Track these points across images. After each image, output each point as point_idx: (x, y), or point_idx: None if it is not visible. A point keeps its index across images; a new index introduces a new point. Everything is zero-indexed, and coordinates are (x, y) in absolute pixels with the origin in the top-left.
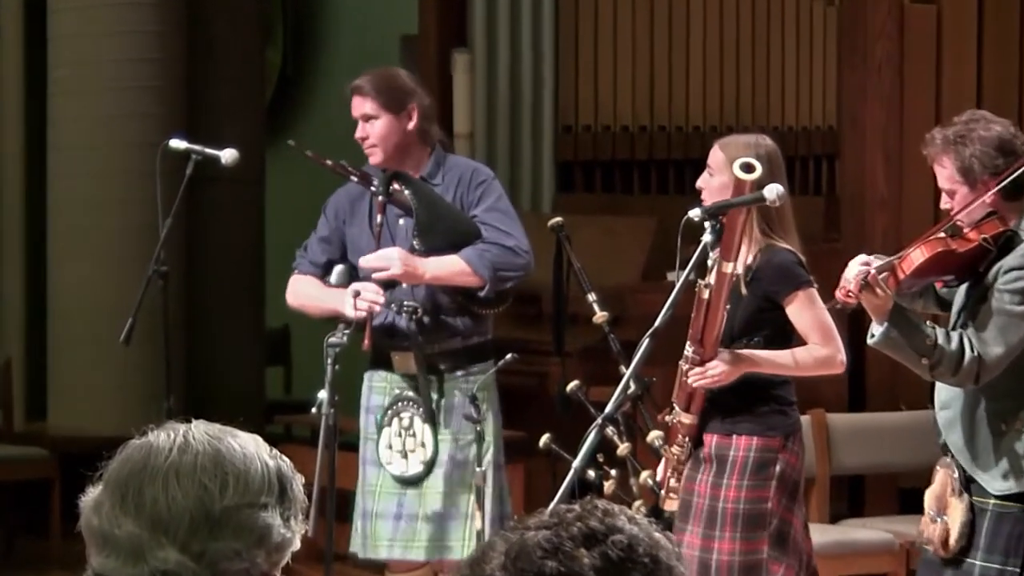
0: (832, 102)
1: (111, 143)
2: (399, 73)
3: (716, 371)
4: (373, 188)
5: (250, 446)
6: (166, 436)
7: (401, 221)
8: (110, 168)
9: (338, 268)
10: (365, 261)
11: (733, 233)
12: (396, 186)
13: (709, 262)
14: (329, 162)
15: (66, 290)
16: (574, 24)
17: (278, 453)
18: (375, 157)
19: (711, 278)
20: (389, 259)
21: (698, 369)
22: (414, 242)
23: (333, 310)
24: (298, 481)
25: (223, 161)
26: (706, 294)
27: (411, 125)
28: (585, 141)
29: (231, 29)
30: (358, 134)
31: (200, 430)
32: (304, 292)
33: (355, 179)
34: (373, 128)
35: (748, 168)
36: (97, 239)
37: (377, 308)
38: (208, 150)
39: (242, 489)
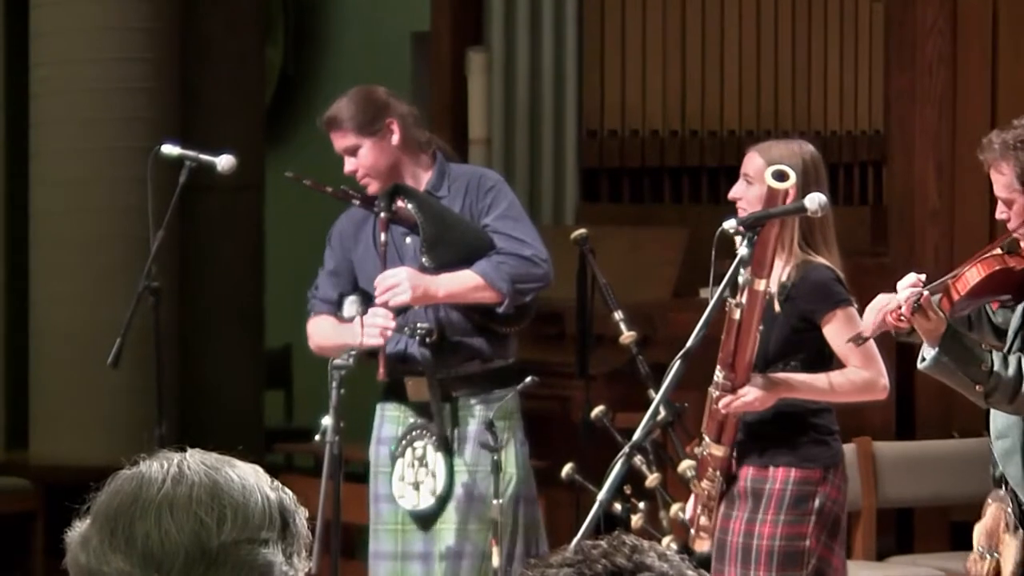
0: (879, 104)
1: (98, 148)
2: (366, 91)
3: (749, 397)
4: (376, 209)
5: (250, 477)
6: (159, 466)
7: (408, 240)
8: (97, 176)
9: (349, 299)
10: (378, 287)
11: (766, 248)
12: (399, 202)
13: (741, 280)
14: (329, 189)
15: (49, 307)
16: (600, 20)
17: (280, 484)
18: (372, 186)
19: (742, 297)
20: (397, 278)
21: (729, 396)
22: (423, 259)
23: (347, 345)
24: (302, 515)
25: (219, 168)
26: (737, 314)
27: (395, 140)
28: (611, 147)
29: (228, 26)
30: (347, 169)
31: (195, 460)
32: (323, 334)
33: (357, 203)
34: (359, 159)
35: (781, 176)
36: (83, 252)
37: (389, 333)
38: (203, 156)
39: (241, 523)
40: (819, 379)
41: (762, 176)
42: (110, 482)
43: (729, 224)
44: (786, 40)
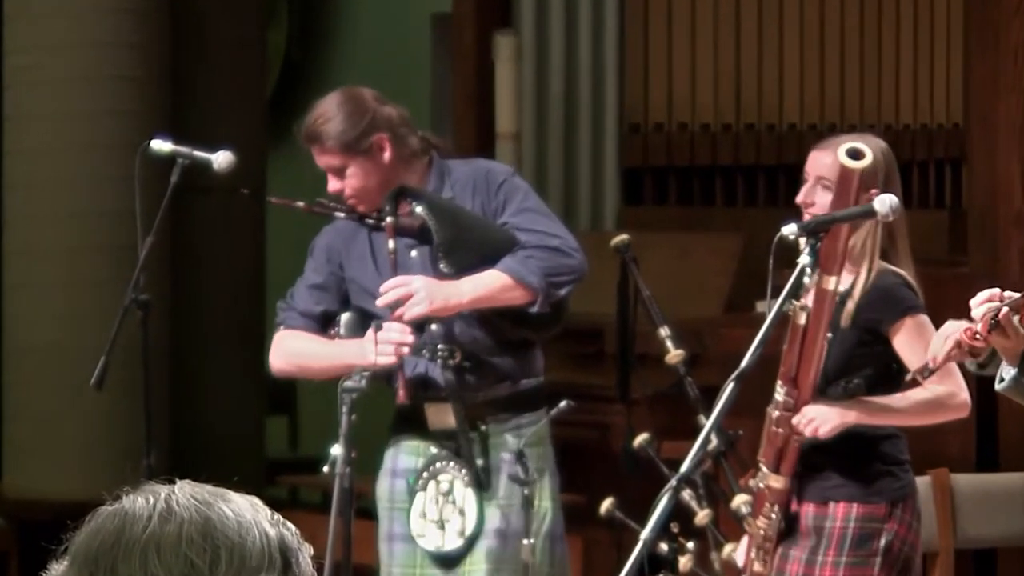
0: (957, 95)
1: (80, 144)
2: (351, 101)
3: (819, 417)
4: (369, 222)
5: (247, 512)
6: (144, 501)
7: (413, 253)
8: (78, 175)
9: (345, 317)
10: (383, 299)
11: (837, 240)
12: (405, 206)
13: (807, 280)
14: (301, 204)
15: (25, 323)
16: (644, 1)
17: (281, 519)
18: (363, 207)
19: (808, 299)
20: (410, 287)
21: (796, 417)
22: (440, 265)
23: (344, 365)
24: (306, 553)
25: (216, 166)
26: (802, 319)
27: (386, 158)
28: (656, 143)
29: (225, 6)
30: (331, 188)
31: (185, 493)
32: (299, 350)
33: (342, 215)
34: (347, 179)
35: (856, 154)
36: (62, 261)
37: (405, 350)
38: (197, 153)
39: (237, 565)
40: (894, 401)
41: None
42: (90, 519)
43: (789, 229)
44: (853, 22)
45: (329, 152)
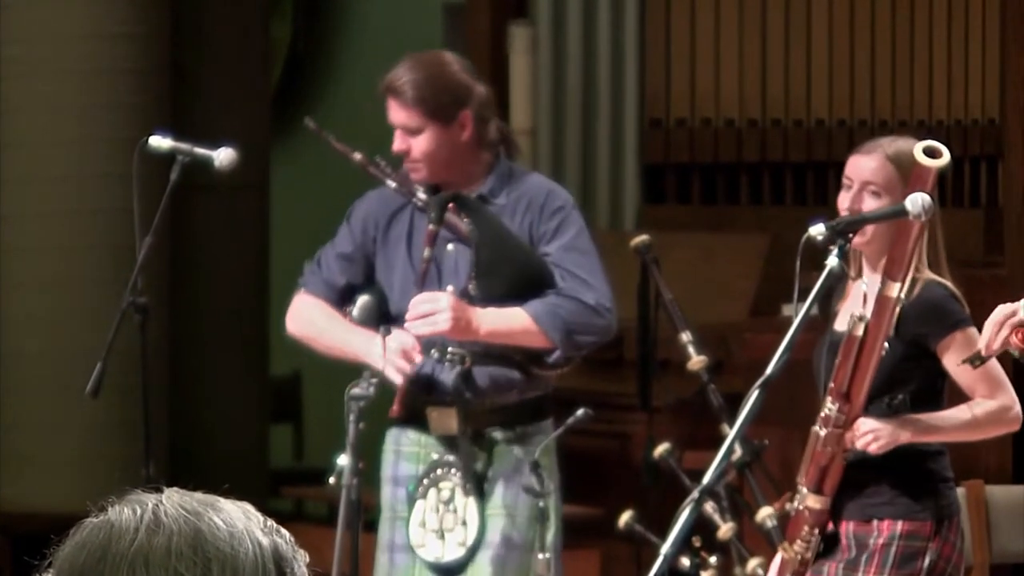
0: (994, 90)
1: (76, 140)
2: (447, 65)
3: (875, 432)
4: (417, 201)
5: (238, 521)
6: (131, 513)
7: (450, 247)
8: (75, 172)
9: (362, 300)
10: (411, 310)
11: (906, 242)
12: (453, 215)
13: (863, 288)
14: (359, 156)
15: (18, 327)
16: None
17: (274, 526)
18: (419, 173)
19: (866, 308)
20: (436, 305)
21: (859, 432)
22: (470, 285)
23: (349, 352)
24: (301, 561)
25: (217, 163)
26: (861, 329)
27: (465, 135)
28: (679, 139)
29: None
30: (396, 146)
31: (173, 503)
32: (311, 319)
33: (393, 185)
34: (417, 142)
35: (933, 153)
36: (57, 262)
37: (408, 370)
38: (198, 149)
39: None
40: (946, 419)
41: (894, 185)
42: (75, 532)
43: (816, 230)
44: (885, 12)
45: (409, 110)
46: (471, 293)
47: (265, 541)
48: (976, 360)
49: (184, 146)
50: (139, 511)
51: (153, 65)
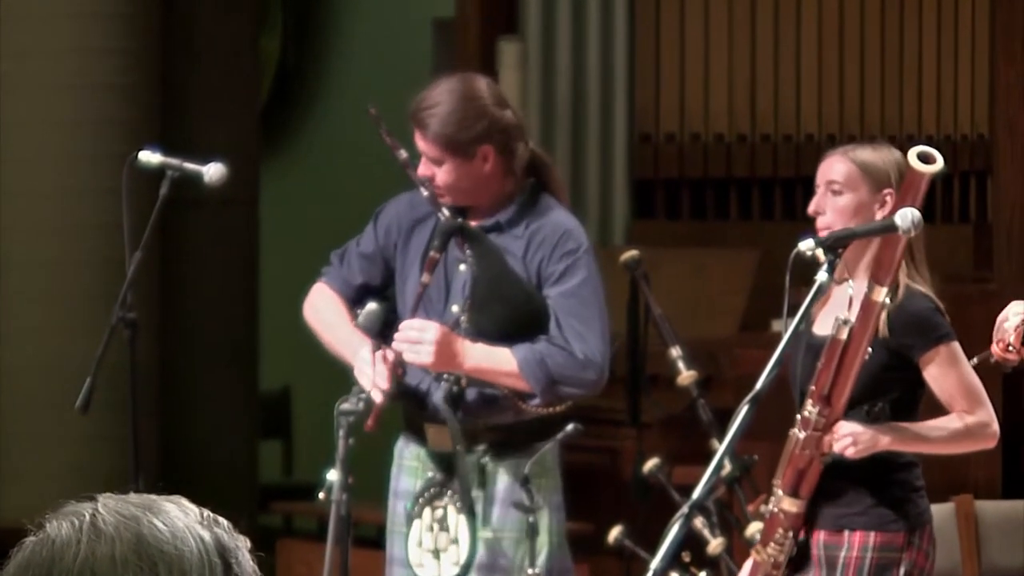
0: (983, 105)
1: (66, 154)
2: (473, 99)
3: (854, 435)
4: (441, 218)
5: (178, 520)
6: (69, 526)
7: (462, 267)
8: (65, 186)
9: (369, 307)
10: (399, 334)
11: (895, 248)
12: (458, 245)
13: (848, 292)
14: (404, 154)
15: (8, 342)
16: (655, 5)
17: (211, 517)
18: (443, 199)
19: (851, 313)
20: (424, 333)
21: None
22: (461, 317)
23: (342, 353)
24: (244, 548)
25: (206, 178)
26: (845, 334)
27: (486, 168)
28: (668, 154)
29: (217, 10)
30: (421, 171)
31: (110, 510)
32: (321, 311)
33: (426, 194)
34: (439, 172)
35: (927, 158)
36: (45, 277)
37: (379, 398)
38: (188, 164)
39: None
40: (925, 428)
41: (856, 181)
42: (16, 553)
43: (807, 245)
44: (873, 28)
45: (430, 143)
46: (460, 324)
47: (207, 535)
48: (989, 358)
49: (174, 161)
50: (77, 523)
51: (143, 80)
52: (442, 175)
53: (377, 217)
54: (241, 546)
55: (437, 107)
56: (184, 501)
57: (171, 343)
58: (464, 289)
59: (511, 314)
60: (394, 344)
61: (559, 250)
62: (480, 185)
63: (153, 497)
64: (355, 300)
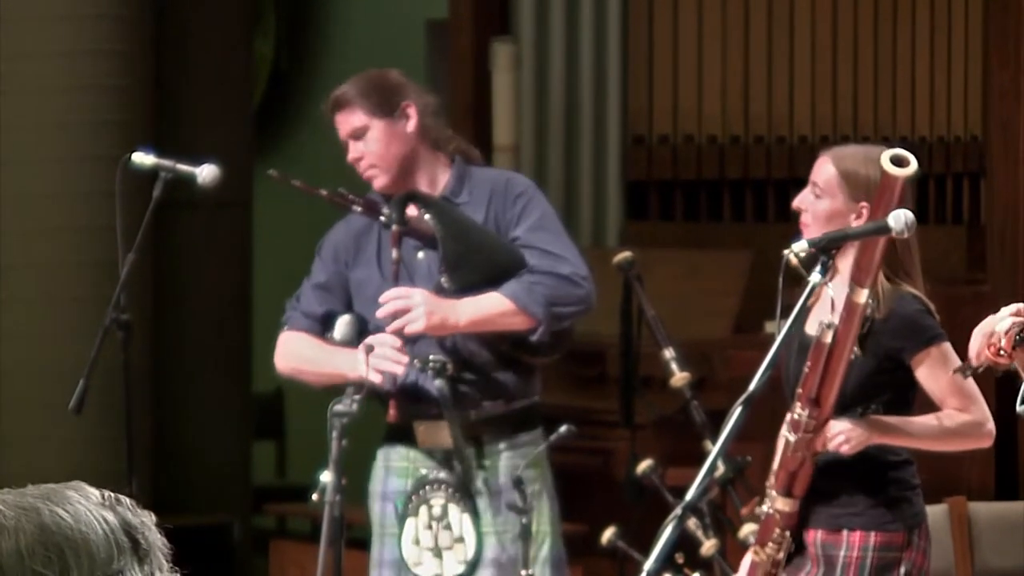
0: (976, 106)
1: (59, 156)
2: (380, 72)
3: (846, 433)
4: (382, 218)
5: (79, 504)
6: None
7: (420, 255)
8: (58, 188)
9: (343, 319)
10: (382, 310)
11: (873, 251)
12: (413, 211)
13: (830, 294)
14: (324, 192)
15: (1, 344)
16: (648, 6)
17: (112, 496)
18: (379, 180)
19: (835, 316)
20: (410, 300)
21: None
22: (442, 279)
23: (338, 375)
24: (150, 522)
25: (200, 180)
26: (829, 336)
27: (411, 126)
28: (661, 155)
29: (210, 13)
30: (351, 156)
31: (8, 504)
32: (299, 354)
33: (358, 209)
34: (367, 144)
35: (900, 161)
36: (38, 279)
37: (399, 370)
38: (181, 166)
39: (88, 563)
40: (919, 425)
41: (835, 188)
42: None
43: (798, 247)
44: (867, 31)
45: (353, 110)
46: (444, 287)
47: (111, 516)
48: (967, 370)
49: (167, 163)
50: None
51: (136, 82)
52: (371, 144)
53: (320, 250)
54: (147, 522)
55: (350, 85)
56: (84, 486)
57: (164, 345)
58: (429, 273)
59: (488, 260)
60: (379, 314)
61: (508, 196)
62: (408, 151)
63: (52, 486)
64: (321, 331)
